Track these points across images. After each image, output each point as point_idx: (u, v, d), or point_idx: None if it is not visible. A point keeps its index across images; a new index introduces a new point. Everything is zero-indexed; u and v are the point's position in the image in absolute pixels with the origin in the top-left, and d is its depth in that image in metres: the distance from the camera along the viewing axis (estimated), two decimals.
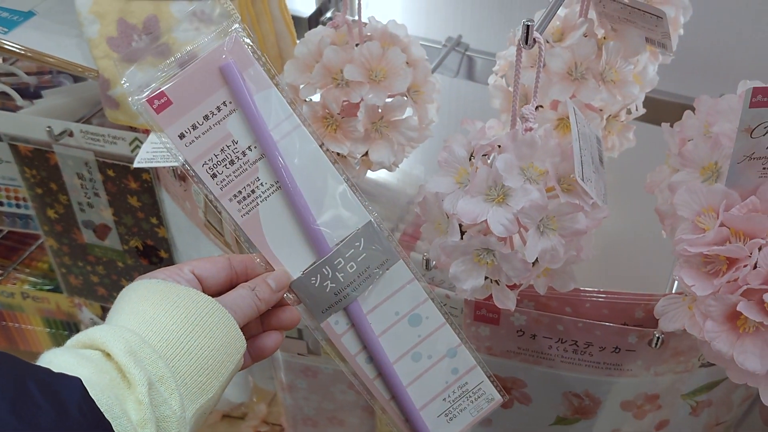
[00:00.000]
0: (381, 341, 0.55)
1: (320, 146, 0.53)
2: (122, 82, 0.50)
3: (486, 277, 0.53)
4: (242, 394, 1.01)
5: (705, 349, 0.47)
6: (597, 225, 0.53)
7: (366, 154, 0.65)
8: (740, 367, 0.44)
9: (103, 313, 1.10)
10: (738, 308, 0.43)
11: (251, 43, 0.52)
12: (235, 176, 0.52)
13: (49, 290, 1.14)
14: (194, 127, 0.51)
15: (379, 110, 0.62)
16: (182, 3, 0.70)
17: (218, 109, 0.51)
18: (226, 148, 0.51)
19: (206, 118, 0.51)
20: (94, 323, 1.09)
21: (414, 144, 0.67)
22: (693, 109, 0.57)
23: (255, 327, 0.52)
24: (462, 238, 0.52)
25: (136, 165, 0.65)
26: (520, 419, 0.68)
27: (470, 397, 0.57)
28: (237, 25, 0.51)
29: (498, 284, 0.54)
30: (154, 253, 0.88)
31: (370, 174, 0.81)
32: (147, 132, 0.75)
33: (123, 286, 0.90)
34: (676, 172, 0.57)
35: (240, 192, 0.52)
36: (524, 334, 0.62)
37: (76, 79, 0.93)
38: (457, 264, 0.53)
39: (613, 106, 0.62)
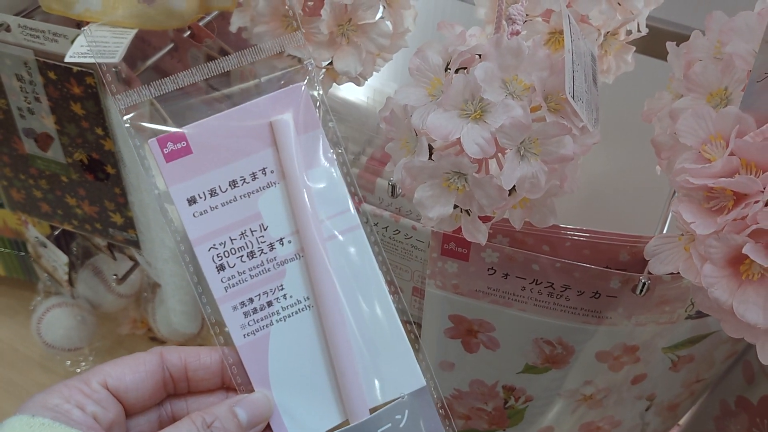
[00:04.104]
0: None
1: (380, 263, 0.40)
2: (117, 100, 0.36)
3: (456, 206, 0.46)
4: (191, 323, 0.95)
5: (699, 297, 0.41)
6: (586, 151, 0.46)
7: (331, 64, 0.57)
8: (740, 318, 0.38)
9: (52, 232, 1.03)
10: (744, 251, 0.37)
11: (326, 102, 0.39)
12: (251, 276, 0.38)
13: None
14: (213, 194, 0.38)
15: (347, 10, 0.54)
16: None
17: (253, 176, 0.38)
18: (249, 233, 0.38)
19: (233, 184, 0.38)
20: (40, 243, 1.02)
21: (386, 55, 0.60)
22: None
23: None
24: (431, 159, 0.46)
25: (68, 60, 0.58)
26: (485, 365, 0.63)
27: None
28: (311, 73, 0.39)
29: (469, 214, 0.48)
30: (100, 168, 0.81)
31: (340, 92, 0.74)
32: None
33: (67, 203, 0.81)
34: (678, 97, 0.51)
35: (252, 300, 0.38)
36: (496, 272, 0.55)
37: None
38: (423, 188, 0.46)
39: (613, 21, 0.55)
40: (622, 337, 0.57)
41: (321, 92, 0.40)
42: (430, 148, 0.46)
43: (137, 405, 0.36)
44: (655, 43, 0.62)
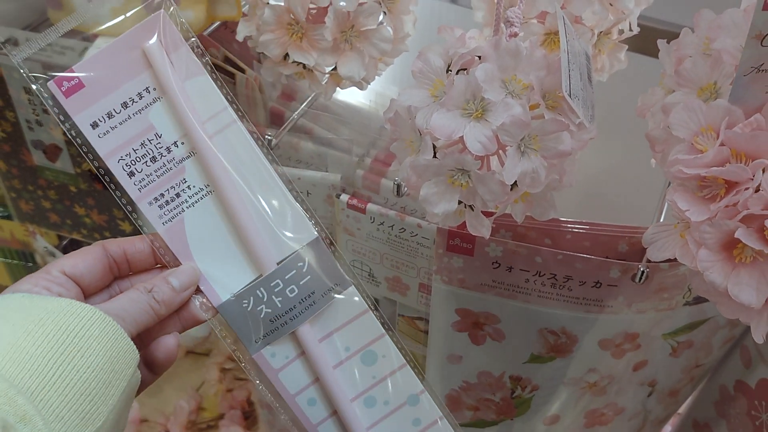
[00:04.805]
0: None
1: (260, 146, 0.46)
2: (13, 56, 0.44)
3: (460, 202, 0.48)
4: (204, 327, 0.97)
5: (696, 282, 0.43)
6: (582, 146, 0.48)
7: (335, 69, 0.59)
8: (734, 300, 0.40)
9: (60, 242, 1.04)
10: (736, 235, 0.39)
11: (183, 21, 0.45)
12: (157, 176, 0.45)
13: (1, 217, 1.09)
14: (110, 116, 0.44)
15: (350, 17, 0.56)
16: None
17: (139, 96, 0.45)
18: (147, 143, 0.45)
19: (125, 105, 0.44)
20: (49, 253, 1.03)
21: (387, 59, 0.62)
22: None
23: (158, 333, 0.46)
24: (435, 157, 0.48)
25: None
26: (492, 356, 0.65)
27: None
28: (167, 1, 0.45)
29: (472, 209, 0.50)
30: (109, 176, 0.83)
31: (341, 96, 0.76)
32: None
33: (76, 213, 0.84)
34: (670, 93, 0.53)
35: (162, 195, 0.46)
36: (500, 266, 0.57)
37: None
38: (428, 186, 0.48)
39: (605, 21, 0.57)
40: (624, 325, 0.60)
41: (177, 12, 0.46)
42: (434, 146, 0.47)
43: (92, 286, 0.44)
44: (645, 40, 0.64)
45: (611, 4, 0.57)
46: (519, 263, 0.57)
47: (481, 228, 0.50)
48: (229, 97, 0.46)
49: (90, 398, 0.38)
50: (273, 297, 0.47)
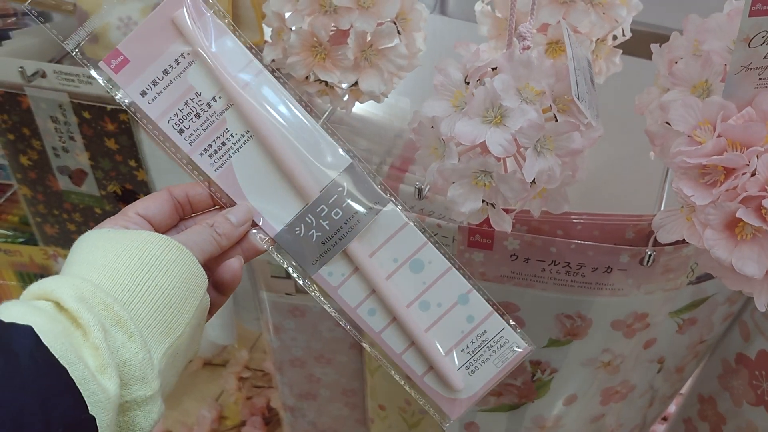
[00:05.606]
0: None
1: (287, 89, 0.51)
2: (66, 44, 0.50)
3: (483, 201, 0.53)
4: (228, 335, 1.01)
5: (703, 259, 0.49)
6: (592, 144, 0.53)
7: (355, 84, 0.64)
8: (738, 272, 0.45)
9: None
10: (737, 215, 0.44)
11: None
12: (203, 130, 0.51)
13: (21, 243, 1.12)
14: (155, 83, 0.50)
15: (369, 38, 0.61)
16: None
17: (176, 62, 0.50)
18: (190, 102, 0.50)
19: (166, 72, 0.50)
20: None
21: (403, 73, 0.67)
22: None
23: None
24: (460, 161, 0.52)
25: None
26: None
27: (492, 346, 0.54)
28: None
29: (494, 207, 0.54)
30: (133, 198, 0.87)
31: (355, 108, 0.81)
32: None
33: None
34: (665, 92, 0.58)
35: (210, 146, 0.51)
36: (518, 258, 0.62)
37: (44, 19, 0.89)
38: (454, 187, 0.53)
39: (601, 29, 0.63)
40: (634, 306, 0.65)
41: None
42: None
43: (162, 225, 0.50)
44: (636, 43, 0.70)
45: (605, 13, 0.62)
46: (535, 254, 0.62)
47: (503, 223, 0.55)
48: (252, 50, 0.51)
49: (171, 311, 0.44)
50: (321, 221, 0.52)
